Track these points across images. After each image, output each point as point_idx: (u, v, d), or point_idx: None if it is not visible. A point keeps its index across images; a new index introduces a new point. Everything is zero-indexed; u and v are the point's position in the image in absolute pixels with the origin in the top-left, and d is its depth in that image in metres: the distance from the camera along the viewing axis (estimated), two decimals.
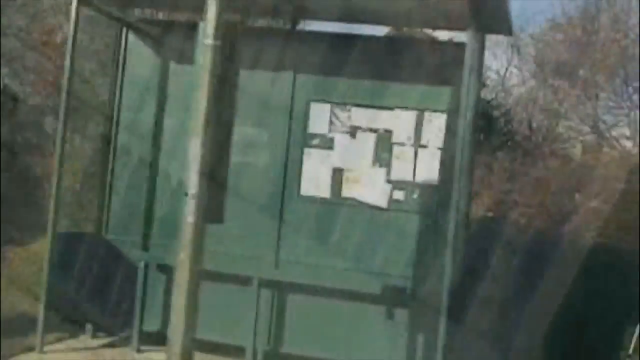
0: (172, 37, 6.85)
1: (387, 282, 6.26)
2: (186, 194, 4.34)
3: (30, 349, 6.27)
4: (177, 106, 6.78)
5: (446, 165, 6.30)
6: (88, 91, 8.30)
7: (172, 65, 6.94)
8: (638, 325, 6.89)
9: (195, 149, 4.35)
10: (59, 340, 6.68)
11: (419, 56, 6.37)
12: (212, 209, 4.45)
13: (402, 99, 6.43)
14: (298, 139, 6.62)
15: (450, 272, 5.67)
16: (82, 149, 8.40)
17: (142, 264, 6.63)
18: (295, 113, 6.63)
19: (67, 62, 6.34)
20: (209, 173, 4.36)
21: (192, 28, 4.62)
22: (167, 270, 6.70)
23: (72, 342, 6.69)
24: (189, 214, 4.33)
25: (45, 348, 6.36)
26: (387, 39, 6.62)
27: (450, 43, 6.14)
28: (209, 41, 4.37)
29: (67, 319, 6.87)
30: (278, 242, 6.65)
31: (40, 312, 6.30)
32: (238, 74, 4.57)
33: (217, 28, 4.36)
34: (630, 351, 6.88)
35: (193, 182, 4.34)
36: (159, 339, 6.71)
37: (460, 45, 6.04)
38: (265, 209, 6.65)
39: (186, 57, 6.21)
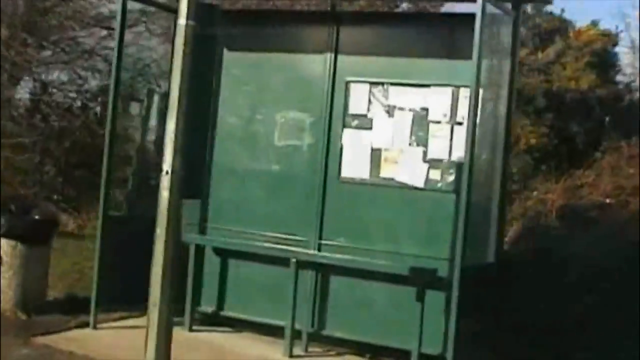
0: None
1: (423, 263, 6.16)
2: (165, 172, 4.51)
3: (86, 325, 6.68)
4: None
5: (483, 143, 6.14)
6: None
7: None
8: None
9: (170, 129, 4.51)
10: (121, 318, 7.04)
11: (453, 32, 6.26)
12: (188, 186, 4.60)
13: (438, 75, 6.32)
14: (338, 120, 6.65)
15: (461, 251, 5.50)
16: None
17: (194, 247, 6.89)
18: (334, 94, 6.67)
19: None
20: (185, 151, 4.52)
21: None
22: (221, 252, 7.00)
23: (132, 321, 7.01)
24: (164, 190, 4.49)
25: (103, 325, 6.76)
26: (419, 15, 6.49)
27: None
28: (182, 21, 4.52)
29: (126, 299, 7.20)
30: (320, 224, 6.72)
31: (93, 290, 6.70)
32: (214, 55, 4.68)
33: (189, 8, 4.50)
34: None
35: (168, 160, 4.50)
36: (212, 319, 7.03)
37: (498, 18, 5.91)
38: (306, 191, 6.75)
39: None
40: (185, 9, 4.52)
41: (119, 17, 6.76)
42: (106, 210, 6.74)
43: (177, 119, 4.50)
